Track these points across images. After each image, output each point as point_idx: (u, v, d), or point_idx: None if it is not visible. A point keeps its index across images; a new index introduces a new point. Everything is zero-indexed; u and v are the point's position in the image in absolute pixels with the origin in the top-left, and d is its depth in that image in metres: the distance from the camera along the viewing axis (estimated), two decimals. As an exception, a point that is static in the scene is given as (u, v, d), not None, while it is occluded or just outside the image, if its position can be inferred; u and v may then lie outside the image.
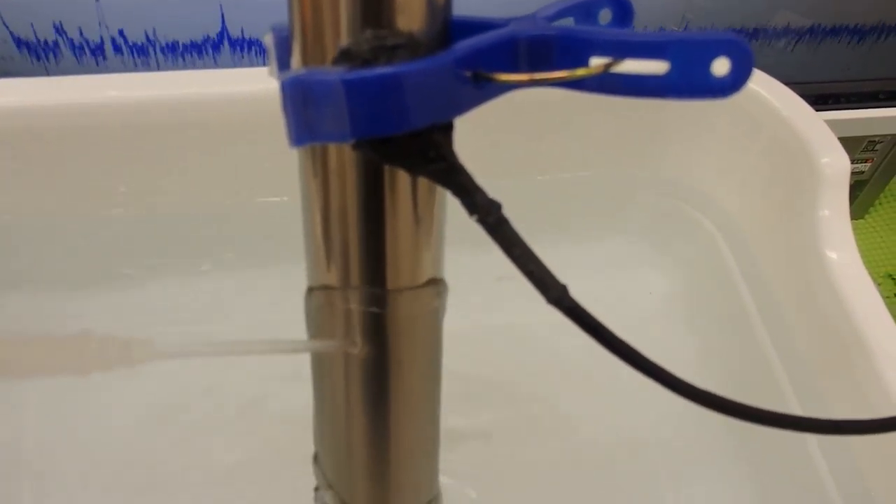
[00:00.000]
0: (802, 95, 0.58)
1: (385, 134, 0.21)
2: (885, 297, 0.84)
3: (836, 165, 0.51)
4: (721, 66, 0.20)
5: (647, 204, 0.67)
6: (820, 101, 0.79)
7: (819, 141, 0.52)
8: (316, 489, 0.36)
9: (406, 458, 0.32)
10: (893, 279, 0.86)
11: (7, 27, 0.74)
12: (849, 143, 0.83)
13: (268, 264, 0.65)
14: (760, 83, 0.56)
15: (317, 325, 0.28)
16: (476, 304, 0.64)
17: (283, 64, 0.23)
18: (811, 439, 0.51)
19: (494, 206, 0.22)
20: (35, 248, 0.62)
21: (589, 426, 0.62)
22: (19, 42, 0.76)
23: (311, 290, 0.28)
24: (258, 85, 0.55)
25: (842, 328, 0.47)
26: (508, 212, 0.23)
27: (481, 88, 0.22)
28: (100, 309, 0.63)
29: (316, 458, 0.35)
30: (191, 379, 0.61)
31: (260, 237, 0.64)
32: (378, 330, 0.27)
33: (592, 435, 0.61)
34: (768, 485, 0.56)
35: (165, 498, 0.56)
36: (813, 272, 0.50)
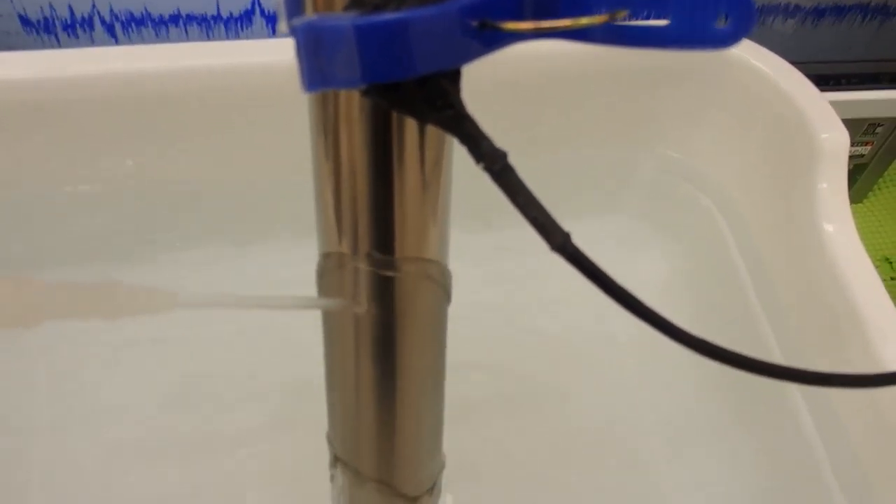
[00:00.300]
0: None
1: (393, 79, 0.21)
2: (882, 280, 0.85)
3: (836, 141, 0.52)
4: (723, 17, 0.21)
5: (645, 181, 0.67)
6: (821, 81, 0.79)
7: (819, 116, 0.53)
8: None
9: (411, 423, 0.33)
10: (890, 263, 0.87)
11: (12, 2, 0.75)
12: (849, 126, 0.84)
13: (274, 237, 0.66)
14: (760, 58, 0.56)
15: (327, 288, 0.29)
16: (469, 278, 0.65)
17: (295, 12, 0.23)
18: (803, 410, 0.52)
19: (500, 155, 0.23)
20: (39, 223, 0.63)
21: (584, 399, 0.63)
22: (24, 20, 0.76)
23: (322, 255, 0.28)
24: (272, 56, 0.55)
25: (835, 300, 0.48)
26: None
27: (487, 37, 0.22)
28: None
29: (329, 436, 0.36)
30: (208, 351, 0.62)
31: (269, 211, 0.65)
32: (385, 292, 0.28)
33: (588, 407, 0.62)
34: (761, 455, 0.57)
35: (180, 461, 0.57)
36: (809, 244, 0.51)
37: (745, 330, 0.60)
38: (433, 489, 0.37)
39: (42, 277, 0.63)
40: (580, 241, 0.69)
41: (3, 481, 0.55)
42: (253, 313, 0.59)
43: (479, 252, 0.66)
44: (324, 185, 0.26)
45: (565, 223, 0.70)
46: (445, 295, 0.30)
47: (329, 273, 0.28)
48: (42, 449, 0.57)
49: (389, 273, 0.27)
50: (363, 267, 0.27)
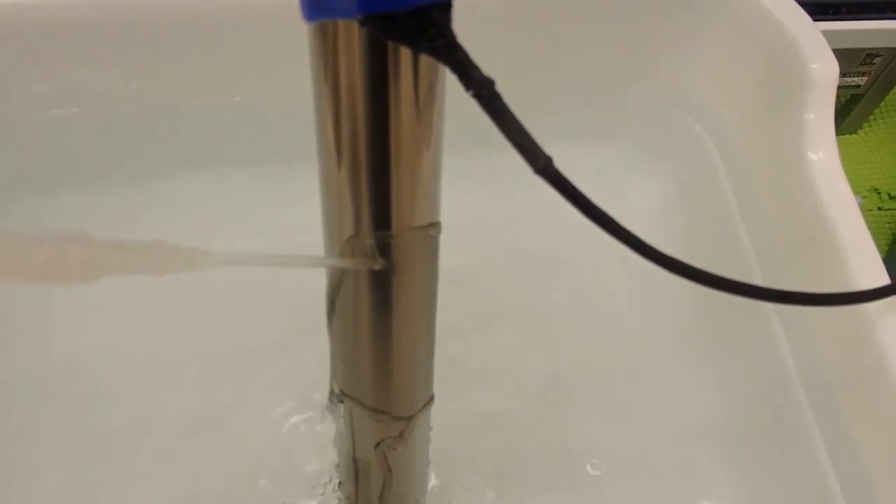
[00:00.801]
0: (801, 4, 0.59)
1: (388, 10, 0.23)
2: (868, 210, 0.87)
3: (825, 70, 0.53)
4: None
5: (639, 108, 0.68)
6: (819, 10, 0.80)
7: (810, 46, 0.54)
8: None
9: (406, 356, 0.36)
10: (879, 193, 0.88)
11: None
12: (846, 56, 0.84)
13: (278, 161, 0.67)
14: (755, -13, 0.57)
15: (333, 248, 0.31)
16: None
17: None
18: (777, 325, 0.54)
19: (488, 82, 0.25)
20: (43, 145, 0.64)
21: (571, 314, 0.65)
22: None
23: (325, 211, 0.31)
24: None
25: (815, 225, 0.50)
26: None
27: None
28: (111, 207, 0.66)
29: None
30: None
31: (265, 134, 0.66)
32: (385, 251, 0.30)
33: (574, 322, 0.65)
34: (734, 363, 0.60)
35: (192, 370, 0.60)
36: (794, 172, 0.53)
37: (730, 252, 0.62)
38: (424, 408, 0.40)
39: (37, 202, 0.65)
40: (573, 165, 0.71)
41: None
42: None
43: (471, 173, 0.67)
44: (324, 110, 0.28)
45: (559, 148, 0.72)
46: (437, 244, 0.32)
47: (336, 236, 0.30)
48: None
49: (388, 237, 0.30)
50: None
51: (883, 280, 0.47)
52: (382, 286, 0.32)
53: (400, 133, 0.27)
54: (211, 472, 0.57)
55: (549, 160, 0.25)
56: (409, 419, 0.39)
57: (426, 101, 0.27)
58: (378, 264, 0.31)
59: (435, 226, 0.31)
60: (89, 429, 0.57)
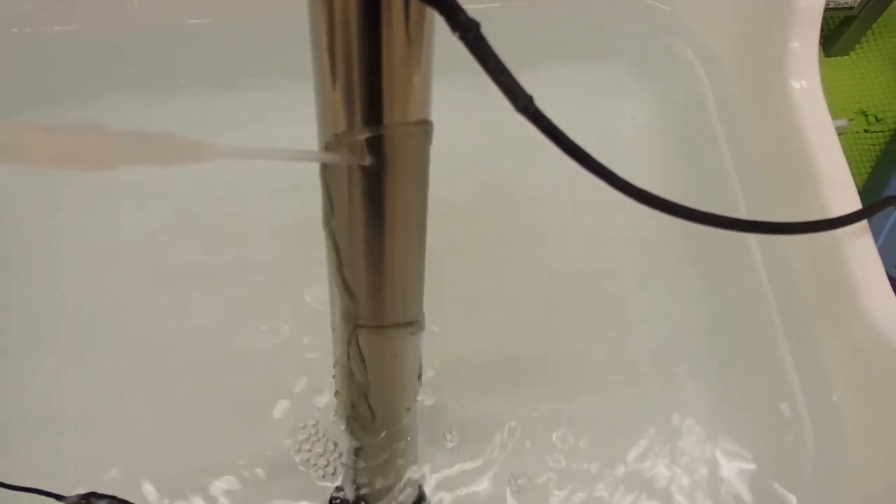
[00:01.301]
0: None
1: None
2: (854, 132, 0.89)
3: (810, 0, 0.54)
4: None
5: (632, 33, 0.69)
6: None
7: (797, -27, 0.54)
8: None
9: (398, 267, 0.38)
10: (866, 115, 0.89)
11: None
12: (840, -23, 0.84)
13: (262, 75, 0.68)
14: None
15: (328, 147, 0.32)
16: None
17: None
18: (755, 248, 0.57)
19: (474, 25, 0.26)
20: (51, 61, 0.65)
21: (562, 242, 0.68)
22: None
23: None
24: None
25: (795, 152, 0.52)
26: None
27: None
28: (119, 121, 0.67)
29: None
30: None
31: (259, 50, 0.67)
32: (378, 148, 0.31)
33: (565, 250, 0.67)
34: (714, 284, 0.63)
35: (202, 281, 0.62)
36: (777, 99, 0.54)
37: (715, 175, 0.64)
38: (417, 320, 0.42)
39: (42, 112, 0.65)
40: (564, 85, 0.72)
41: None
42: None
43: (465, 103, 0.68)
44: (318, 10, 0.28)
45: (551, 73, 0.74)
46: (428, 140, 0.33)
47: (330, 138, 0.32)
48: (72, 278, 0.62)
49: (381, 132, 0.31)
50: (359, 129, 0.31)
51: (855, 207, 0.50)
52: (374, 182, 0.33)
53: (392, 31, 0.28)
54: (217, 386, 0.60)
55: (530, 99, 0.27)
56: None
57: (416, 31, 0.28)
58: (367, 160, 0.32)
59: (426, 123, 0.32)
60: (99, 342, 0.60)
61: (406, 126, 0.31)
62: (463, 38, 0.26)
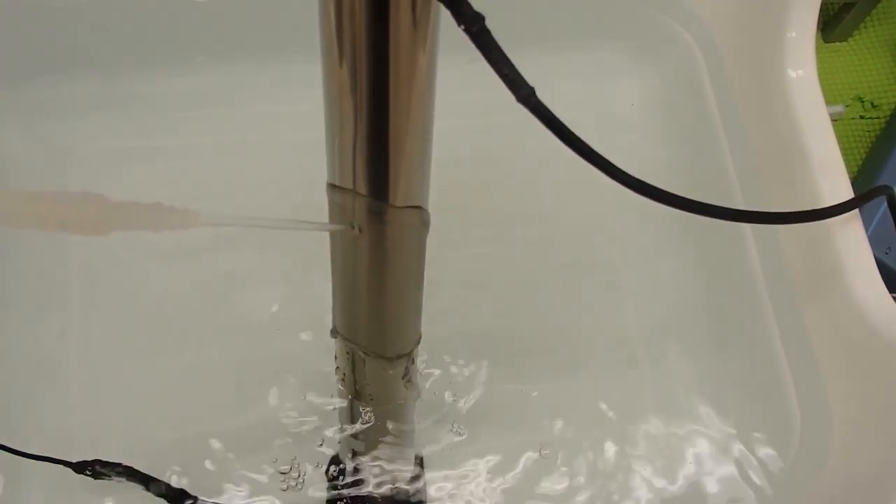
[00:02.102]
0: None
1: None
2: (849, 119, 0.89)
3: (810, -12, 0.54)
4: None
5: (630, 15, 0.69)
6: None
7: (797, -38, 0.55)
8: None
9: (398, 310, 0.41)
10: (862, 101, 0.90)
11: None
12: (840, -37, 0.84)
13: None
14: None
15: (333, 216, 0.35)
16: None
17: None
18: (748, 231, 0.58)
19: (478, 18, 0.27)
20: (57, 33, 0.65)
21: (561, 215, 0.68)
22: None
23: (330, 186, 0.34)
24: None
25: (790, 141, 0.53)
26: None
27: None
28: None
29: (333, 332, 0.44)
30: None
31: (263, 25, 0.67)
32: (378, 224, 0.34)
33: (564, 222, 0.68)
34: (708, 265, 0.64)
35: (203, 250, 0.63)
36: (774, 88, 0.55)
37: (711, 162, 0.65)
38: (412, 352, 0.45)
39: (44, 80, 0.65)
40: (564, 68, 0.73)
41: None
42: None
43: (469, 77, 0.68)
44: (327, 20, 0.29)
45: (550, 55, 0.74)
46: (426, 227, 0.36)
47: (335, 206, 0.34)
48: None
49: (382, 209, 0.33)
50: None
51: (847, 195, 0.50)
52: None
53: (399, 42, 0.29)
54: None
55: (531, 91, 0.28)
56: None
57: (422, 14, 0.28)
58: (358, 230, 0.35)
59: (422, 211, 0.35)
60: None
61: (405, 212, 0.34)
62: (467, 30, 0.27)
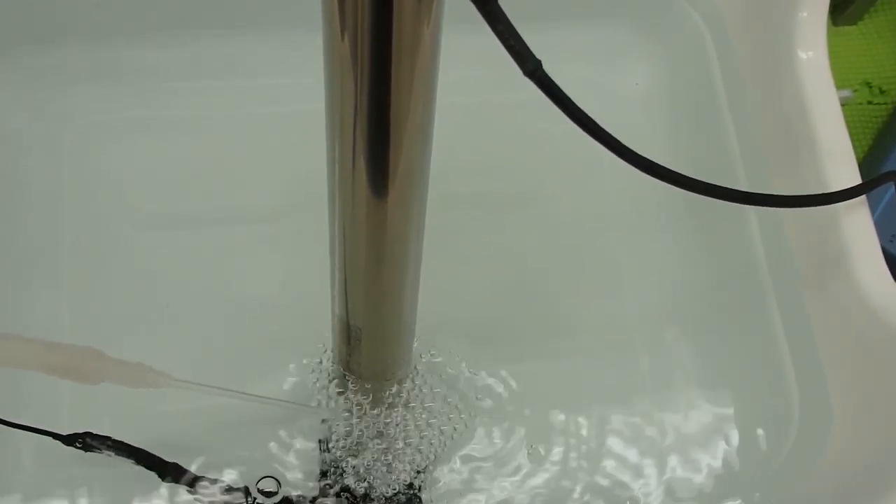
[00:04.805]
0: None
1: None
2: (857, 104, 0.88)
3: (823, -32, 0.53)
4: None
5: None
6: None
7: (809, -58, 0.53)
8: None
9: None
10: (870, 87, 0.89)
11: None
12: (852, -56, 0.83)
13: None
14: None
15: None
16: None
17: None
18: (751, 215, 0.57)
19: (485, -14, 0.26)
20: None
21: (562, 198, 0.68)
22: None
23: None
24: None
25: (798, 125, 0.52)
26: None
27: None
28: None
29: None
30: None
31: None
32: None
33: (564, 205, 0.67)
34: (710, 247, 0.63)
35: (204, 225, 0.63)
36: (783, 69, 0.54)
37: (716, 144, 0.64)
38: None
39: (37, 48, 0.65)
40: (569, 45, 0.71)
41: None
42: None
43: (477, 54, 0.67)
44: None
45: (556, 33, 0.73)
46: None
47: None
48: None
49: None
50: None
51: (855, 181, 0.50)
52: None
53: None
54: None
55: (538, 64, 0.27)
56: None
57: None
58: (321, 412, 0.45)
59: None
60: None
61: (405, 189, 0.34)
62: (474, 1, 0.26)
